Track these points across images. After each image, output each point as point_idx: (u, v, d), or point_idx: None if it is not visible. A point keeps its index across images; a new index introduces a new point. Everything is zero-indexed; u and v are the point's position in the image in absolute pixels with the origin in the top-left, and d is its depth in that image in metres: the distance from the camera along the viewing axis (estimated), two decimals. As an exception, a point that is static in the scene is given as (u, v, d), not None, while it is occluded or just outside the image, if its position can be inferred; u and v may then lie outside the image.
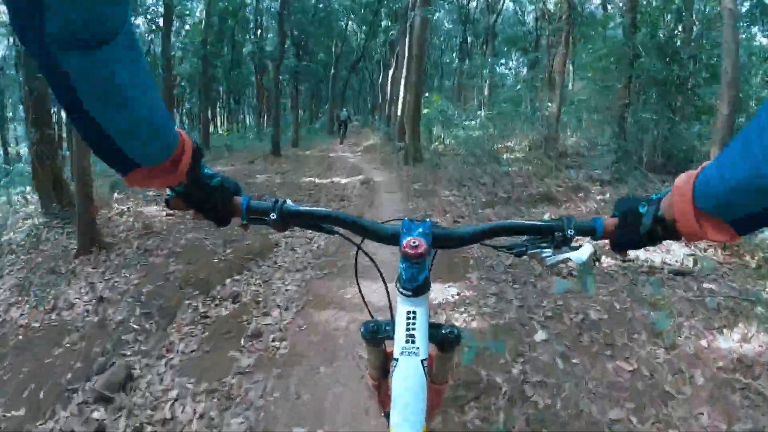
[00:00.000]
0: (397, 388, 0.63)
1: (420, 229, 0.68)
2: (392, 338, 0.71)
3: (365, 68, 29.51)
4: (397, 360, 0.65)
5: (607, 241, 0.68)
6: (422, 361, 0.64)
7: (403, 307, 0.69)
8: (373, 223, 0.72)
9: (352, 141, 17.12)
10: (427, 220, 0.70)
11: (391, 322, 0.74)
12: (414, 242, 0.65)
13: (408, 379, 0.63)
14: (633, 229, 0.62)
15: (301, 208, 0.71)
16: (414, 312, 0.68)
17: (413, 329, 0.66)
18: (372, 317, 0.83)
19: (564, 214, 4.35)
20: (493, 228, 0.71)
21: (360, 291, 0.87)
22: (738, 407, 1.94)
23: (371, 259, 0.84)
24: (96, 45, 0.39)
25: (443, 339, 0.76)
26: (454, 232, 0.72)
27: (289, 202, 0.71)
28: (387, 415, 0.88)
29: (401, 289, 0.68)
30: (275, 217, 0.68)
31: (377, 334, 0.78)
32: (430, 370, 0.76)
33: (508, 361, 2.30)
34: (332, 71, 21.23)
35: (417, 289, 0.68)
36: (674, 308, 2.73)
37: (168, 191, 0.65)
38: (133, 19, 0.43)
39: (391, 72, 17.54)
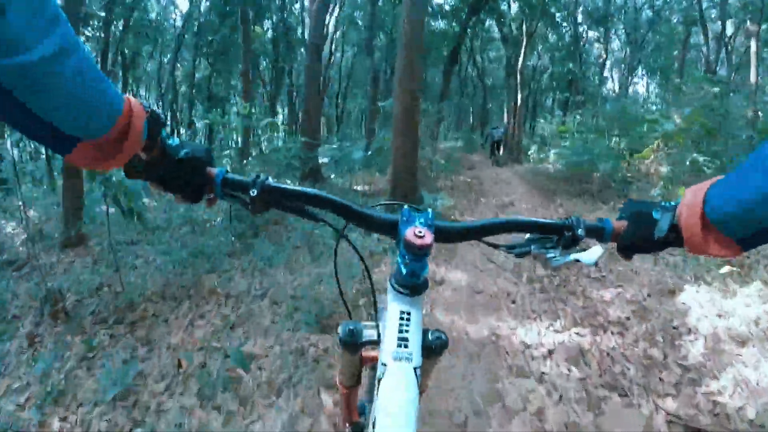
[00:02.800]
0: (385, 397, 0.55)
1: (422, 219, 0.63)
2: (372, 344, 0.69)
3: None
4: (385, 365, 0.58)
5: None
6: (415, 369, 0.58)
7: (396, 307, 0.63)
8: (368, 210, 0.66)
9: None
10: (429, 209, 0.65)
11: (375, 325, 0.71)
12: (420, 231, 0.59)
13: (399, 388, 0.56)
14: (646, 233, 0.61)
15: (286, 186, 0.64)
16: (409, 313, 0.62)
17: (407, 332, 0.60)
18: (350, 317, 0.77)
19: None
20: (498, 223, 0.67)
21: (339, 286, 0.77)
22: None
23: (356, 250, 0.76)
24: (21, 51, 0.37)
25: (430, 345, 0.69)
26: (455, 226, 0.67)
27: (271, 178, 0.63)
28: (355, 426, 0.88)
29: (397, 286, 0.63)
30: (255, 194, 0.60)
31: (357, 339, 0.71)
32: None
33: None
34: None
35: (416, 287, 0.63)
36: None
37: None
38: None
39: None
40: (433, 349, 0.69)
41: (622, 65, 19.28)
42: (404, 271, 0.62)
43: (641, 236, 0.62)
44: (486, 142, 16.26)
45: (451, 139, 26.33)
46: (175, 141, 0.60)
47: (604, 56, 21.00)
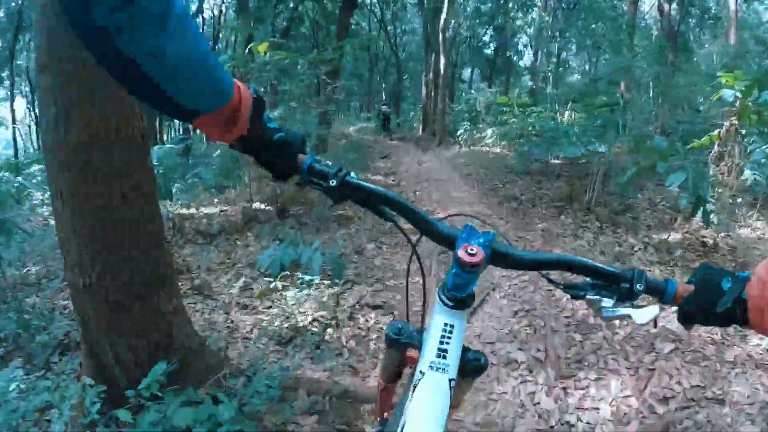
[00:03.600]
0: (418, 404, 0.57)
1: (481, 239, 0.64)
2: (415, 346, 0.72)
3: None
4: (423, 373, 0.59)
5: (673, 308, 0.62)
6: (450, 380, 0.59)
7: (440, 318, 0.63)
8: (434, 220, 0.69)
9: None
10: (491, 231, 0.66)
11: (420, 331, 0.73)
12: (472, 249, 0.60)
13: (432, 397, 0.57)
14: (709, 304, 0.56)
15: (364, 183, 0.68)
16: (452, 326, 0.62)
17: (447, 344, 0.61)
18: (407, 320, 0.79)
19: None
20: (557, 260, 0.67)
21: (407, 292, 0.82)
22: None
23: (419, 261, 0.77)
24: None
25: (469, 364, 0.69)
26: (515, 253, 0.66)
27: (352, 173, 0.68)
28: (382, 422, 0.90)
29: (443, 298, 0.64)
30: (334, 184, 0.66)
31: (401, 338, 0.74)
32: None
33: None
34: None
35: (461, 301, 0.63)
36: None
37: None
38: None
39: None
40: (469, 369, 0.69)
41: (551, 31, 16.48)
42: (452, 283, 0.62)
43: (703, 306, 0.57)
44: (378, 117, 17.27)
45: (363, 119, 24.72)
46: (274, 124, 0.66)
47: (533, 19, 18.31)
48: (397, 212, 0.69)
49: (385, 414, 0.93)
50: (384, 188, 0.69)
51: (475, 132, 11.16)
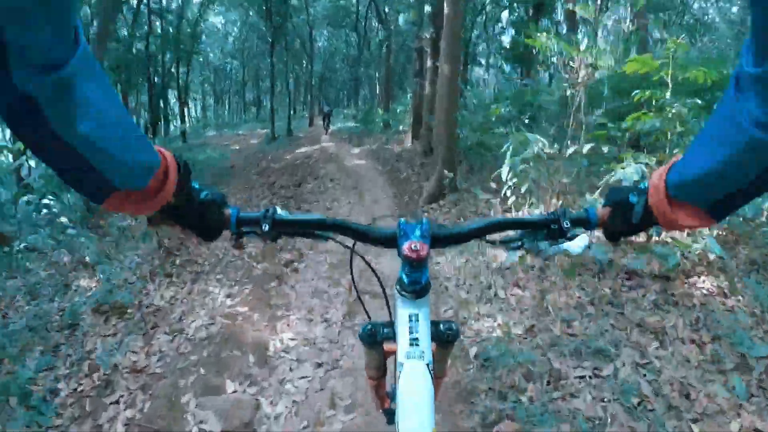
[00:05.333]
0: (403, 393, 0.62)
1: (418, 231, 0.68)
2: (392, 339, 0.74)
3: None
4: (402, 364, 0.64)
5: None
6: (427, 365, 0.64)
7: (404, 310, 0.68)
8: (368, 227, 0.72)
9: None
10: (424, 219, 0.70)
11: (391, 323, 0.76)
12: (415, 246, 0.65)
13: (415, 384, 0.62)
14: (625, 218, 0.64)
15: (293, 216, 0.70)
16: (416, 314, 0.67)
17: (417, 332, 0.66)
18: (369, 319, 0.82)
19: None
20: (490, 224, 0.72)
21: (357, 293, 0.87)
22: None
23: (366, 262, 0.84)
24: (54, 65, 0.39)
25: (442, 335, 0.75)
26: (452, 231, 0.72)
27: (279, 209, 0.70)
28: (386, 411, 0.93)
29: (403, 293, 0.68)
30: (267, 227, 0.67)
31: (376, 337, 0.78)
32: None
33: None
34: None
35: (419, 291, 0.67)
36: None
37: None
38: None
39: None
40: (445, 338, 0.75)
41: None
42: (406, 280, 0.67)
43: (622, 221, 0.65)
44: (321, 114, 20.03)
45: (348, 118, 22.82)
46: (197, 185, 0.65)
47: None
48: (333, 230, 0.72)
49: (386, 405, 0.95)
50: (315, 214, 0.73)
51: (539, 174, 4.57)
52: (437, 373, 0.74)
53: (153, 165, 0.54)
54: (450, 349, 0.82)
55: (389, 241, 0.70)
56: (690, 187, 0.55)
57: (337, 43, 32.86)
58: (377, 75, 27.02)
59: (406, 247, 0.65)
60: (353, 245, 0.77)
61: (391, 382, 0.85)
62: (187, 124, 35.59)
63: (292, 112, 21.14)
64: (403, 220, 0.70)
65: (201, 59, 29.68)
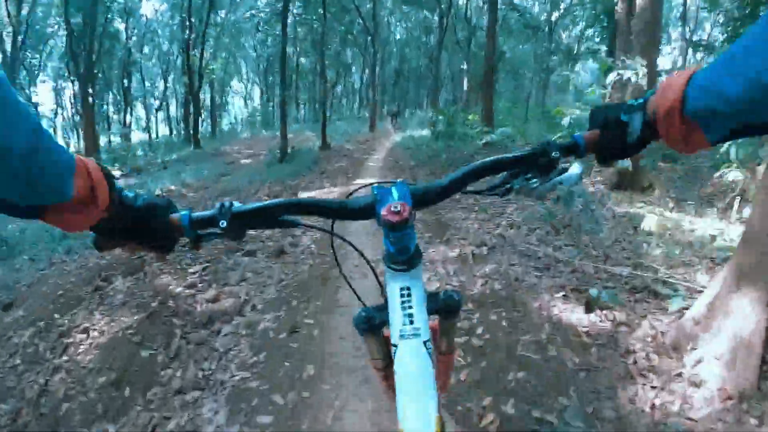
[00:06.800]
0: (400, 376, 0.56)
1: (395, 193, 0.61)
2: (387, 322, 0.66)
3: None
4: (396, 346, 0.58)
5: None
6: (425, 342, 0.58)
7: (395, 285, 0.61)
8: (342, 201, 0.65)
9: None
10: (398, 180, 0.64)
11: (385, 305, 0.67)
12: (395, 206, 0.57)
13: (412, 365, 0.56)
14: (620, 139, 0.59)
15: (250, 206, 0.62)
16: (408, 288, 0.61)
17: (410, 308, 0.60)
18: (363, 305, 0.74)
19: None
20: (473, 170, 0.65)
21: (345, 277, 0.80)
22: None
23: (347, 242, 0.74)
24: None
25: (444, 307, 0.68)
26: (431, 186, 0.65)
27: (235, 203, 0.61)
28: None
29: (392, 265, 0.61)
30: (224, 225, 0.59)
31: (372, 322, 0.69)
32: (434, 342, 0.65)
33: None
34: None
35: (410, 260, 0.61)
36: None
37: (91, 233, 0.56)
38: None
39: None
40: (447, 309, 0.69)
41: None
42: (392, 249, 0.60)
43: (615, 143, 0.60)
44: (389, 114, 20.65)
45: (422, 123, 17.20)
46: (131, 192, 0.59)
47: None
48: (305, 213, 0.64)
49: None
50: (273, 199, 0.63)
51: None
52: (446, 348, 0.72)
53: (72, 176, 0.46)
54: (455, 321, 0.73)
55: (367, 210, 0.62)
56: (713, 113, 0.45)
57: (411, 23, 25.67)
58: (464, 67, 19.73)
59: (385, 210, 0.57)
60: (332, 226, 0.70)
61: None
62: (224, 121, 31.56)
63: (334, 113, 16.22)
64: (376, 185, 0.63)
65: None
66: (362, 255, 0.74)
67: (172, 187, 8.06)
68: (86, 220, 0.50)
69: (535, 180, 0.64)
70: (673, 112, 0.48)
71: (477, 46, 20.96)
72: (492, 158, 0.64)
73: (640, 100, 0.56)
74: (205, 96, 23.78)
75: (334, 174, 8.07)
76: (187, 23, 14.20)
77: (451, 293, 0.68)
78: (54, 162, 0.43)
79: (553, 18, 22.54)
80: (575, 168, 0.64)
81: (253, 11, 19.22)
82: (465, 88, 18.98)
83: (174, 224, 0.60)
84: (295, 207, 0.63)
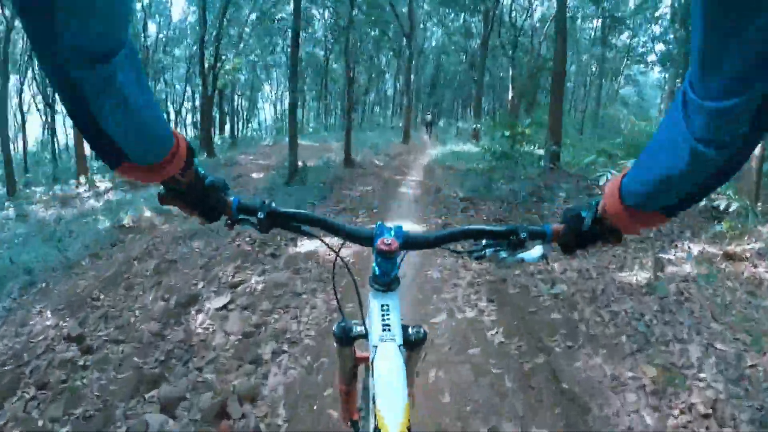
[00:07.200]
0: (378, 370, 0.69)
1: (392, 232, 0.77)
2: (364, 338, 0.82)
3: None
4: (375, 347, 0.71)
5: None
6: (399, 346, 0.72)
7: (376, 302, 0.78)
8: (352, 228, 0.80)
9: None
10: (399, 225, 0.78)
11: (362, 322, 0.84)
12: (387, 240, 0.74)
13: (388, 361, 0.69)
14: (577, 231, 0.72)
15: (287, 210, 0.77)
16: (387, 305, 0.76)
17: (388, 319, 0.74)
18: (344, 318, 0.88)
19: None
20: (457, 233, 0.80)
21: (335, 293, 0.92)
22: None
23: (345, 264, 0.87)
24: (103, 59, 0.44)
25: (410, 339, 0.81)
26: (421, 236, 0.80)
27: (274, 204, 0.76)
28: (353, 423, 0.99)
29: (375, 285, 0.78)
30: (262, 216, 0.74)
31: (348, 334, 0.84)
32: None
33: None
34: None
35: (389, 283, 0.77)
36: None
37: (162, 188, 0.69)
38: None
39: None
40: (414, 341, 0.82)
41: None
42: (378, 271, 0.77)
43: (574, 234, 0.73)
44: (423, 123, 20.77)
45: (461, 135, 16.57)
46: (202, 170, 0.71)
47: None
48: (320, 228, 0.79)
49: (354, 416, 0.99)
50: (307, 211, 0.78)
51: None
52: (408, 379, 0.76)
53: (167, 146, 0.59)
54: (419, 352, 0.87)
55: (368, 239, 0.78)
56: (643, 195, 0.59)
57: (450, 27, 23.57)
58: (507, 74, 17.64)
59: (379, 241, 0.74)
60: (339, 248, 0.86)
61: (360, 395, 0.97)
62: (251, 127, 30.22)
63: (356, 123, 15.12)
64: (380, 223, 0.79)
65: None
66: (352, 276, 0.87)
67: (135, 217, 6.20)
68: (156, 176, 0.62)
69: (503, 252, 0.79)
70: (616, 205, 0.63)
71: (522, 51, 18.88)
72: (474, 227, 0.80)
73: (596, 201, 0.70)
74: (226, 100, 22.39)
75: (355, 207, 6.08)
76: (202, 20, 12.71)
77: (418, 328, 0.84)
78: (164, 133, 0.58)
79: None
80: (537, 250, 0.80)
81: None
82: (509, 95, 16.90)
83: (227, 203, 0.75)
84: (316, 222, 0.79)
